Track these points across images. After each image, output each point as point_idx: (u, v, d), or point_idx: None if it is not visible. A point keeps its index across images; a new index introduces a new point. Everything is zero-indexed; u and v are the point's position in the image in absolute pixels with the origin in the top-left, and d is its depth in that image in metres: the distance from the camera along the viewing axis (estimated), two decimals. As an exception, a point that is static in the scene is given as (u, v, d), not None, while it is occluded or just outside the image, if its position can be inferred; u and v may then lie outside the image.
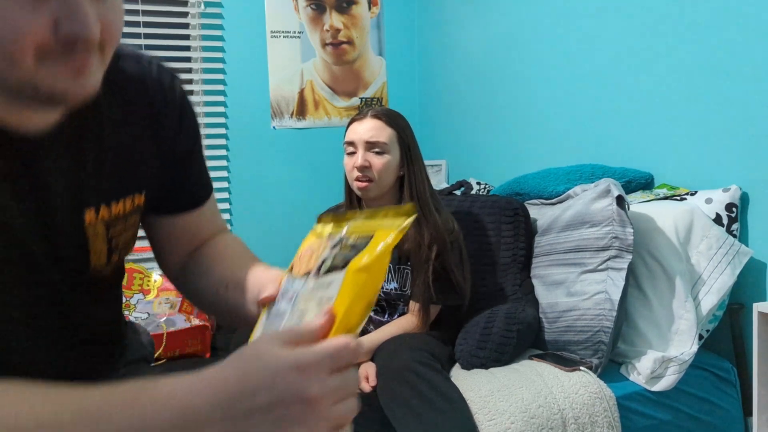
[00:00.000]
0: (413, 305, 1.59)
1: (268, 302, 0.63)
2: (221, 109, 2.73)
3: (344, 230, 0.61)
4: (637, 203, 1.66)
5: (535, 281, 1.69)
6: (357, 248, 0.57)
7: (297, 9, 2.84)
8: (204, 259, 0.75)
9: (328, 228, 0.65)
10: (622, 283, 1.47)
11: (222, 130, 2.74)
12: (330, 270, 0.57)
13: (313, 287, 0.58)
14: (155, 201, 0.71)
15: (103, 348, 0.75)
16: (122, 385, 0.50)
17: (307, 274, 0.60)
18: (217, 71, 2.73)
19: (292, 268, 0.64)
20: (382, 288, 1.39)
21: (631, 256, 1.48)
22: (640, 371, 1.44)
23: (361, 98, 2.97)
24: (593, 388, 1.37)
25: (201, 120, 2.72)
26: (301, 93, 2.86)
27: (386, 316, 1.66)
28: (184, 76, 2.67)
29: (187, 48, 2.69)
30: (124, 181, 0.65)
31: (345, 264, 0.56)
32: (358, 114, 1.64)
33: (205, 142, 2.73)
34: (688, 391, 1.47)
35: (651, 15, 1.80)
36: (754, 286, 1.55)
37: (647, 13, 1.82)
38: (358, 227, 0.60)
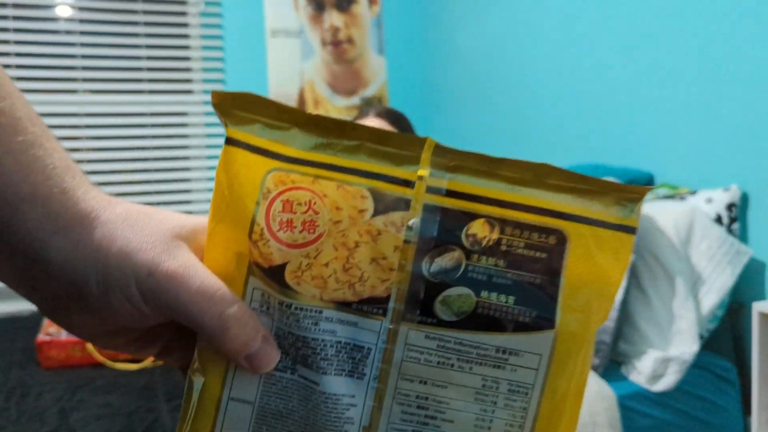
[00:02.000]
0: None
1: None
2: (221, 108, 2.73)
3: (440, 193, 0.28)
4: (638, 203, 1.66)
5: (535, 281, 1.69)
6: (526, 262, 0.27)
7: (297, 8, 2.84)
8: None
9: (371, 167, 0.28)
10: (622, 283, 1.47)
11: (222, 130, 2.73)
12: (481, 315, 0.27)
13: (435, 355, 0.27)
14: None
15: None
16: None
17: (374, 306, 0.27)
18: (217, 71, 2.73)
19: (265, 260, 0.27)
20: None
21: (632, 256, 1.48)
22: (641, 371, 1.45)
23: (361, 97, 2.97)
24: (594, 388, 1.38)
25: (201, 119, 2.72)
26: (301, 92, 2.86)
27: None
28: (184, 75, 2.67)
29: (187, 48, 2.69)
30: None
31: (533, 315, 0.27)
32: (361, 113, 1.64)
33: (205, 142, 2.73)
34: (688, 390, 1.47)
35: (651, 14, 1.81)
36: (754, 286, 1.55)
37: (647, 13, 1.82)
38: (489, 193, 0.28)
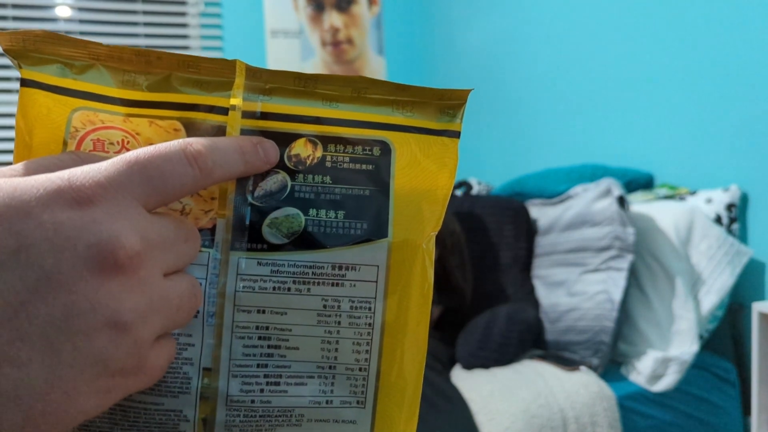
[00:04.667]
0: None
1: None
2: (221, 108, 2.73)
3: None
4: (638, 203, 1.66)
5: (536, 282, 1.69)
6: (353, 176, 0.27)
7: (296, 8, 2.84)
8: None
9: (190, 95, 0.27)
10: (623, 283, 1.47)
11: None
12: (312, 233, 0.27)
13: (270, 281, 0.26)
14: None
15: None
16: None
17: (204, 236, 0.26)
18: (217, 71, 2.73)
19: None
20: None
21: (632, 256, 1.48)
22: (641, 371, 1.45)
23: (361, 98, 2.97)
24: (594, 388, 1.38)
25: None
26: (301, 93, 2.86)
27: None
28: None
29: (187, 48, 2.69)
30: None
31: (365, 227, 0.27)
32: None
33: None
34: (688, 391, 1.47)
35: (651, 15, 1.81)
36: (754, 286, 1.55)
37: (648, 13, 1.82)
38: (325, 113, 0.27)
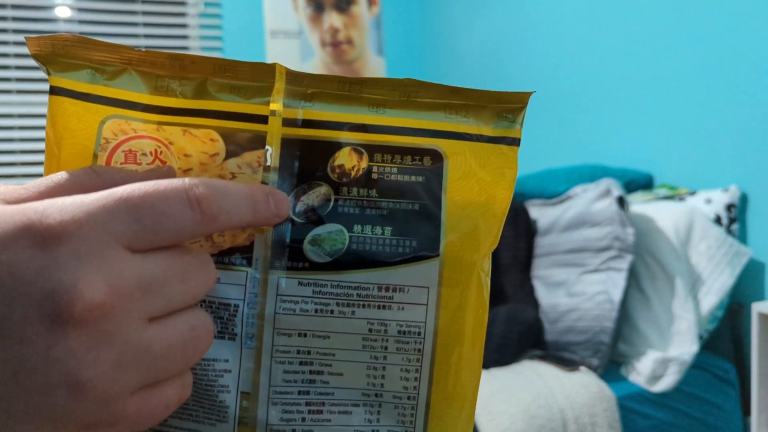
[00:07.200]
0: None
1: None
2: (221, 109, 2.73)
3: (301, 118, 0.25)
4: (637, 204, 1.66)
5: (536, 282, 1.70)
6: (401, 189, 0.25)
7: (296, 9, 2.84)
8: None
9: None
10: (622, 284, 1.47)
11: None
12: (357, 252, 0.25)
13: (312, 302, 0.24)
14: None
15: None
16: None
17: (237, 257, 0.24)
18: (217, 71, 2.73)
19: None
20: None
21: (632, 257, 1.48)
22: (641, 371, 1.45)
23: (361, 98, 2.97)
24: (593, 389, 1.38)
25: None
26: (301, 93, 2.86)
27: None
28: (183, 76, 2.67)
29: (187, 48, 2.69)
30: None
31: (414, 245, 0.25)
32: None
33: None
34: (688, 391, 1.47)
35: (652, 15, 1.81)
36: (753, 286, 1.55)
37: (648, 14, 1.82)
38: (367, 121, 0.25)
